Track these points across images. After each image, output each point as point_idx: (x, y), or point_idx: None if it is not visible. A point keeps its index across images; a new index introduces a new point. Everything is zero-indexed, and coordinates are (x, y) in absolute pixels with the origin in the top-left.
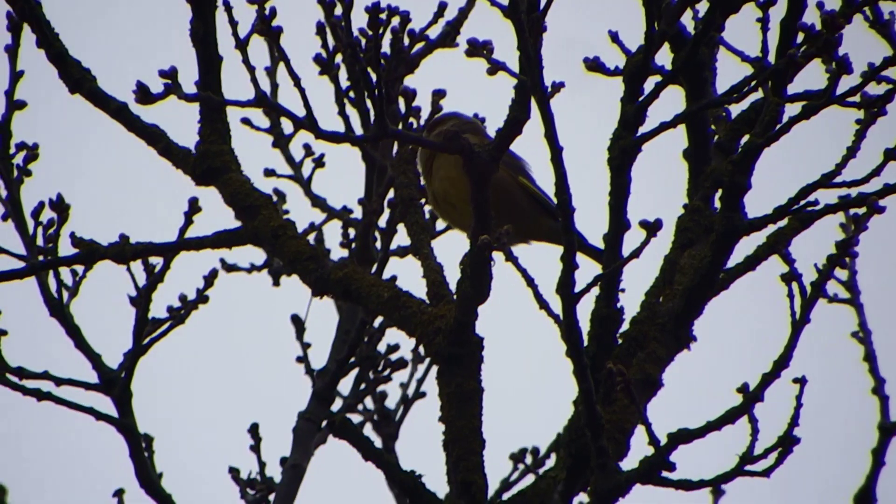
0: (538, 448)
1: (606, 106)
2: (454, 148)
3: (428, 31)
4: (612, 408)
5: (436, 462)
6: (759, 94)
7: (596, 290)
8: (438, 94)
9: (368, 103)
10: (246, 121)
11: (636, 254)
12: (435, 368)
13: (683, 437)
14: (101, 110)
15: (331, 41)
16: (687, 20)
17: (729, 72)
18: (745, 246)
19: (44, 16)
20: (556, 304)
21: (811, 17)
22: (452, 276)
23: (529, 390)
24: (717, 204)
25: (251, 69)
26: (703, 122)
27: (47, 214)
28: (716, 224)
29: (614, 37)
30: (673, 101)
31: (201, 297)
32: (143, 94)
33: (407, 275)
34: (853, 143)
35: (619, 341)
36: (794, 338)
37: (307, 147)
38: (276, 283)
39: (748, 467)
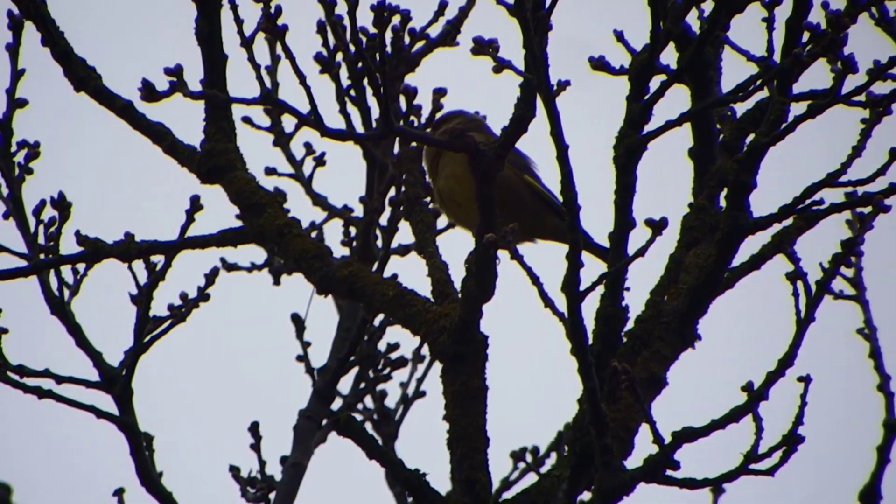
0: (538, 447)
1: (612, 104)
2: (460, 146)
3: (428, 30)
4: (616, 406)
5: (435, 461)
6: (764, 94)
7: (601, 289)
8: (439, 93)
9: (370, 102)
10: (247, 119)
11: (641, 252)
12: (436, 367)
13: (688, 435)
14: (107, 108)
15: (331, 40)
16: (692, 19)
17: (734, 71)
18: (750, 245)
19: (48, 14)
20: (561, 303)
21: (816, 16)
22: (457, 274)
23: (533, 389)
24: (723, 203)
25: (256, 67)
26: (708, 121)
27: (49, 213)
28: (721, 223)
29: (619, 36)
30: (678, 99)
31: (202, 296)
32: (149, 92)
33: (408, 273)
34: (858, 142)
35: (624, 340)
36: (798, 336)
37: (308, 146)
38: (277, 282)
39: (752, 466)
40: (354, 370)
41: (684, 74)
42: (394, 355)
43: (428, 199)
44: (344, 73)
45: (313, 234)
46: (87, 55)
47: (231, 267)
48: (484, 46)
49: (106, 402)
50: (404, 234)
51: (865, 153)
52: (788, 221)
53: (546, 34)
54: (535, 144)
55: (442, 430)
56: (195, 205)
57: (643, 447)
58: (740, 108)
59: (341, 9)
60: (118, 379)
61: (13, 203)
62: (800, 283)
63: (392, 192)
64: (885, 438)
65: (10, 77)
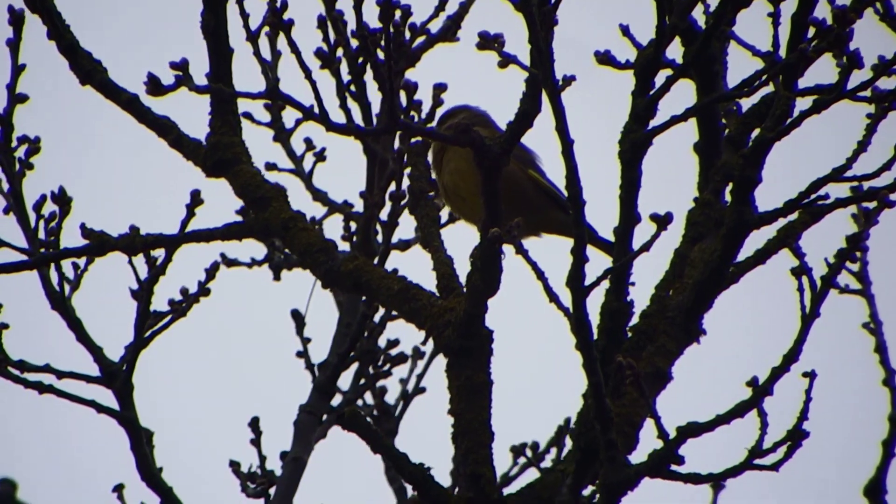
0: (538, 442)
1: (617, 99)
2: (465, 141)
3: (429, 25)
4: (621, 401)
5: (435, 458)
6: (769, 89)
7: (606, 284)
8: (440, 88)
9: (370, 97)
10: (247, 115)
11: (646, 247)
12: (436, 364)
13: (692, 430)
14: (112, 102)
15: (332, 35)
16: (698, 14)
17: (740, 66)
18: (756, 240)
19: (55, 7)
20: (566, 298)
21: (822, 11)
22: (462, 268)
23: (536, 383)
24: (728, 197)
25: (262, 61)
26: (713, 116)
27: (49, 207)
28: (726, 218)
29: (625, 30)
30: (684, 94)
31: (203, 290)
32: (154, 86)
33: (408, 268)
34: (864, 138)
35: (629, 335)
36: (803, 332)
37: (308, 141)
38: (277, 277)
39: (757, 461)
40: (354, 366)
41: (690, 69)
42: (394, 351)
43: (433, 193)
44: (344, 68)
45: None
46: (93, 49)
47: (231, 262)
48: (489, 41)
49: (106, 397)
50: (404, 229)
51: (871, 148)
52: (794, 216)
53: (552, 29)
54: (541, 139)
55: (441, 426)
56: (195, 199)
57: (648, 442)
58: (746, 102)
59: (341, 4)
60: (119, 374)
61: (14, 198)
62: (805, 279)
63: (392, 187)
64: (890, 433)
65: (11, 72)
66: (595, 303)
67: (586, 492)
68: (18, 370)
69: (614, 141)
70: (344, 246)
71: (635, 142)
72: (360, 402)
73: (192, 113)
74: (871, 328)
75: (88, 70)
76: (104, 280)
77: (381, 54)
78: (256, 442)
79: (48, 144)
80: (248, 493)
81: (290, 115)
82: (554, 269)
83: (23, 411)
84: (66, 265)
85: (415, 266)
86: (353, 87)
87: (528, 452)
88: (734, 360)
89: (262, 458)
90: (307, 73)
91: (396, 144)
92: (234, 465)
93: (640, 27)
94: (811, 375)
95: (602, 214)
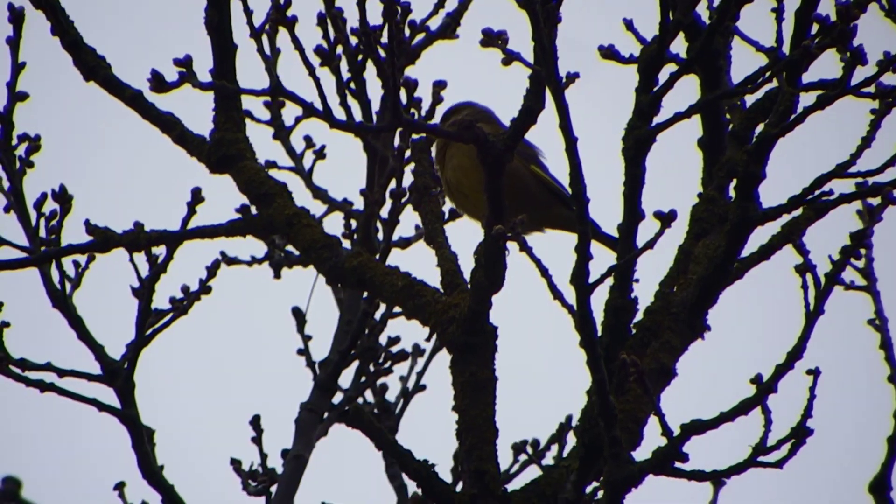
0: (538, 440)
1: (621, 95)
2: (468, 137)
3: (428, 23)
4: (625, 397)
5: (435, 455)
6: (773, 84)
7: (610, 281)
8: (439, 86)
9: (370, 94)
10: (247, 113)
11: (650, 244)
12: (436, 361)
13: (697, 428)
14: (116, 98)
15: (331, 32)
16: (701, 9)
17: (743, 59)
18: (760, 235)
19: (58, 3)
20: (570, 295)
21: (826, 7)
22: (466, 264)
23: (539, 380)
24: (732, 193)
25: (266, 58)
26: (717, 112)
27: (50, 206)
28: (730, 214)
29: (629, 24)
30: (688, 89)
31: (204, 288)
32: (158, 83)
33: (409, 266)
34: (868, 133)
35: (633, 331)
36: (807, 329)
37: (308, 139)
38: (277, 275)
39: (761, 458)
40: (355, 364)
41: (694, 65)
42: (394, 349)
43: (437, 189)
44: (344, 65)
45: None
46: (96, 46)
47: (231, 260)
48: (493, 38)
49: (108, 396)
50: (405, 226)
51: (875, 144)
52: (798, 212)
53: (555, 26)
54: (544, 136)
55: (442, 423)
56: (196, 197)
57: (652, 438)
58: (750, 97)
59: (340, 1)
60: (120, 372)
61: (14, 196)
62: (809, 276)
63: (393, 184)
64: (895, 429)
65: (11, 70)
66: (599, 299)
67: (589, 488)
68: (20, 368)
69: (618, 137)
70: (345, 244)
71: (639, 138)
72: (360, 400)
73: (195, 109)
74: (877, 325)
75: (92, 66)
76: (105, 278)
77: (381, 52)
78: (258, 440)
79: (48, 142)
80: (249, 491)
81: (289, 113)
82: (558, 266)
83: (24, 410)
84: (68, 264)
85: (416, 264)
86: (352, 85)
87: (529, 450)
88: (738, 356)
89: (264, 456)
90: (311, 70)
91: (396, 142)
92: (236, 463)
93: (644, 23)
94: (815, 373)
95: (606, 211)
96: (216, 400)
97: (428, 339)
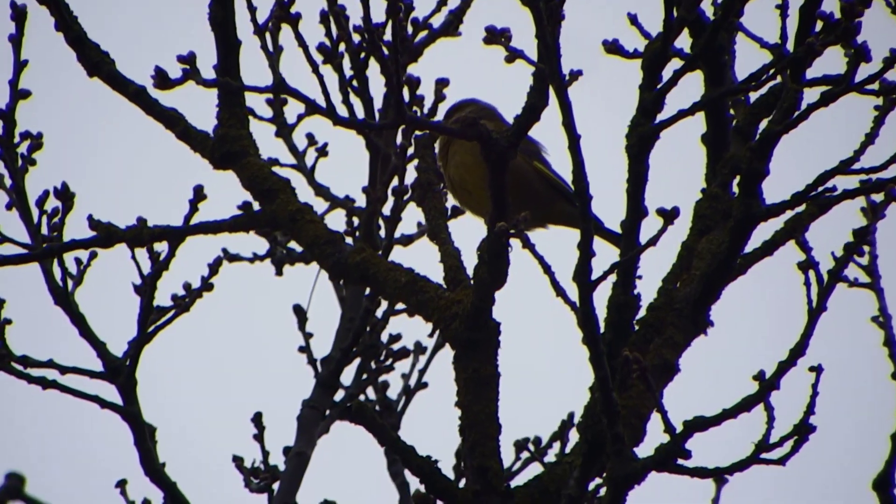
0: (540, 437)
1: (624, 92)
2: (472, 134)
3: (431, 20)
4: (628, 393)
5: (437, 453)
6: (777, 80)
7: (613, 277)
8: (442, 83)
9: (373, 92)
10: (249, 110)
11: (653, 241)
12: (438, 359)
13: (699, 424)
14: (120, 93)
15: (334, 30)
16: (706, 5)
17: (747, 55)
18: (763, 231)
19: None
20: (573, 292)
21: (830, 3)
22: (469, 260)
23: (543, 377)
24: (735, 190)
25: (269, 55)
26: (721, 108)
27: (52, 203)
28: (734, 210)
29: (633, 19)
30: (691, 84)
31: (206, 286)
32: (162, 80)
33: (411, 263)
34: (871, 130)
35: (636, 328)
36: (810, 326)
37: (310, 136)
38: (279, 272)
39: (764, 455)
40: (357, 361)
41: (698, 61)
42: (396, 346)
43: (440, 185)
44: (346, 63)
45: None
46: (99, 42)
47: (233, 257)
48: (497, 36)
49: (110, 392)
50: (407, 223)
51: (878, 140)
52: (801, 208)
53: (559, 23)
54: (547, 133)
55: (443, 421)
56: (199, 194)
57: (655, 434)
58: (753, 93)
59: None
60: (122, 369)
61: (16, 194)
62: (812, 273)
63: (395, 182)
64: None
65: (14, 68)
66: (602, 296)
67: (592, 485)
68: (22, 365)
69: (621, 134)
70: (347, 241)
71: (643, 135)
72: (362, 398)
73: (199, 105)
74: (881, 322)
75: (96, 62)
76: (107, 275)
77: (384, 49)
78: (259, 437)
79: (51, 140)
80: (251, 488)
81: (292, 111)
82: (561, 263)
83: (26, 407)
84: (70, 261)
85: (418, 261)
86: (355, 83)
87: (531, 447)
88: (741, 353)
89: (266, 454)
90: (314, 68)
91: (399, 139)
92: (238, 461)
93: (648, 18)
94: (818, 370)
95: (609, 208)
96: (218, 397)
97: (431, 335)
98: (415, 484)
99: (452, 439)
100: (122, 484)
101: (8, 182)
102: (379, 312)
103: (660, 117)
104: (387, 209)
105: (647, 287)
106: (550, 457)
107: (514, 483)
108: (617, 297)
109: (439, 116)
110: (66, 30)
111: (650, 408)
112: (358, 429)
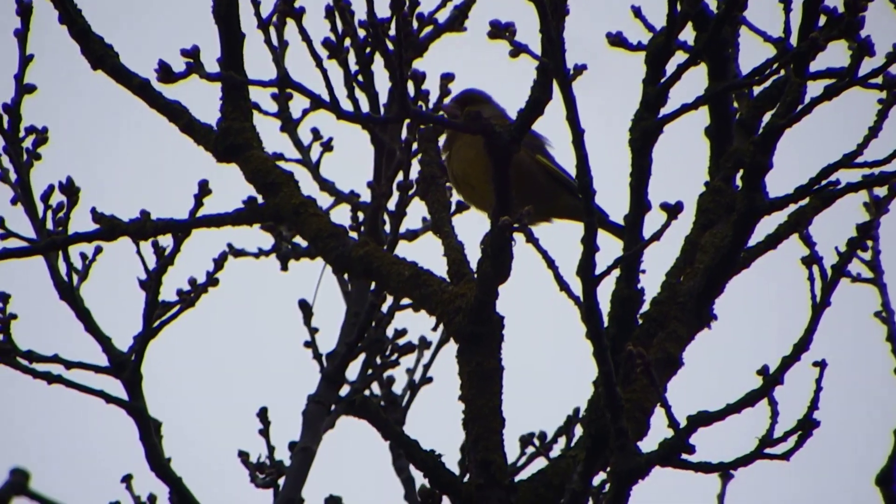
0: (545, 432)
1: (628, 86)
2: (475, 128)
3: (436, 15)
4: (632, 387)
5: (442, 448)
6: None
7: (616, 272)
8: (447, 78)
9: (378, 87)
10: (255, 105)
11: (657, 236)
12: (443, 354)
13: (703, 419)
14: (124, 87)
15: (339, 24)
16: None
17: (750, 48)
18: (767, 224)
19: None
20: (577, 286)
21: None
22: (473, 254)
23: (547, 371)
24: (739, 183)
25: (273, 50)
26: (724, 101)
27: (57, 198)
28: (737, 204)
29: (636, 11)
30: (695, 77)
31: (211, 281)
32: (166, 73)
33: (416, 258)
34: (875, 124)
35: (640, 322)
36: (814, 321)
37: (315, 131)
38: (284, 267)
39: (768, 450)
40: (362, 356)
41: (701, 55)
42: (401, 341)
43: (444, 178)
44: (352, 58)
45: None
46: (104, 35)
47: (239, 253)
48: (501, 30)
49: (115, 388)
50: (412, 219)
51: (882, 134)
52: (805, 202)
53: (563, 18)
54: (550, 127)
55: (449, 416)
56: (204, 189)
57: (658, 429)
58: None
59: None
60: (127, 364)
61: (21, 188)
62: (815, 268)
63: (400, 176)
64: None
65: (19, 62)
66: (606, 290)
67: (597, 480)
68: (27, 360)
69: (625, 129)
70: (352, 236)
71: (646, 130)
72: (367, 393)
73: (203, 98)
74: (883, 317)
75: (100, 55)
76: (112, 270)
77: (389, 44)
78: (265, 432)
79: (56, 135)
80: (256, 483)
81: (297, 106)
82: (564, 257)
83: (31, 402)
84: (75, 256)
85: (423, 256)
86: (360, 78)
87: (537, 442)
88: (745, 347)
89: (271, 449)
90: (318, 62)
91: (403, 134)
92: (243, 456)
93: (652, 11)
94: (822, 365)
95: (613, 202)
96: (223, 392)
97: (434, 329)
98: (420, 479)
99: (458, 434)
100: (127, 479)
101: (13, 177)
102: (384, 307)
103: (663, 111)
104: (392, 204)
105: (651, 281)
106: (556, 452)
107: (519, 478)
108: (620, 291)
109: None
110: (70, 23)
111: (654, 402)
112: (363, 424)
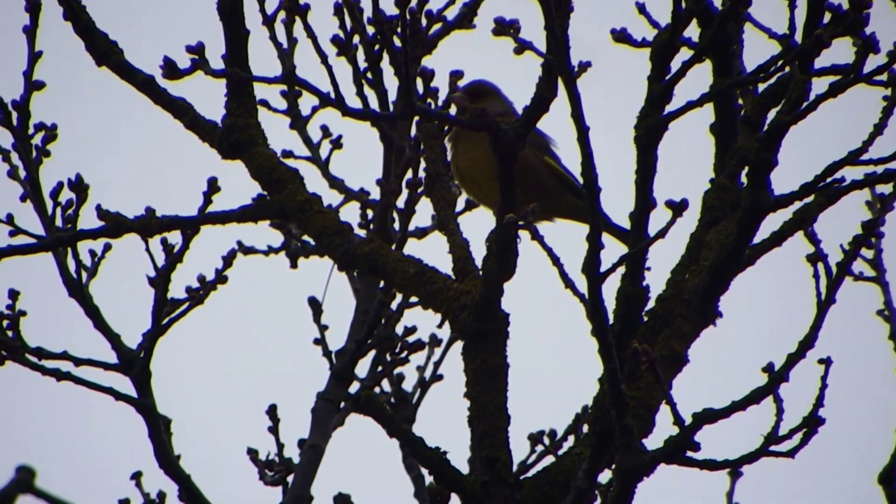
0: (555, 430)
1: (633, 84)
2: (481, 125)
3: (445, 13)
4: (637, 385)
5: (453, 445)
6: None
7: (621, 269)
8: (456, 76)
9: (387, 84)
10: (263, 102)
11: (662, 234)
12: (453, 351)
13: (708, 417)
14: (128, 83)
15: (348, 22)
16: None
17: (755, 45)
18: (772, 221)
19: None
20: (582, 284)
21: None
22: (478, 251)
23: (554, 369)
24: (744, 181)
25: (278, 46)
26: (729, 98)
27: (66, 195)
28: (742, 201)
29: (641, 8)
30: (700, 73)
31: (220, 278)
32: (171, 70)
33: (426, 256)
34: (880, 121)
35: (645, 319)
36: (819, 319)
37: (325, 129)
38: (294, 265)
39: (773, 448)
40: (372, 353)
41: (706, 52)
42: (411, 339)
43: (449, 175)
44: (361, 55)
45: None
46: (108, 31)
47: (248, 250)
48: (505, 27)
49: (124, 385)
50: (421, 216)
51: (887, 131)
52: (810, 199)
53: (568, 16)
54: (555, 124)
55: (459, 413)
56: (213, 186)
57: (664, 426)
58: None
59: None
60: (136, 361)
61: (31, 185)
62: (820, 265)
63: (409, 174)
64: None
65: (28, 59)
66: (611, 288)
67: (604, 478)
68: (36, 357)
69: (630, 126)
70: (361, 234)
71: (651, 127)
72: (377, 390)
73: (208, 95)
74: (886, 315)
75: (105, 51)
76: (121, 267)
77: (397, 41)
78: (274, 429)
79: (65, 132)
80: (265, 480)
81: (306, 103)
82: (569, 255)
83: (41, 399)
84: (84, 253)
85: (433, 254)
86: (369, 75)
87: (546, 440)
88: (750, 344)
89: (280, 446)
90: (323, 59)
91: (413, 132)
92: (252, 453)
93: (657, 8)
94: (827, 363)
95: (617, 200)
96: (232, 389)
97: (440, 326)
98: (430, 477)
99: (468, 431)
100: (136, 476)
101: (22, 174)
102: (394, 305)
103: (668, 108)
104: (401, 202)
105: (656, 278)
106: (565, 450)
107: (524, 476)
108: (626, 288)
109: (453, 109)
110: (74, 19)
111: (659, 399)
112: (372, 421)
